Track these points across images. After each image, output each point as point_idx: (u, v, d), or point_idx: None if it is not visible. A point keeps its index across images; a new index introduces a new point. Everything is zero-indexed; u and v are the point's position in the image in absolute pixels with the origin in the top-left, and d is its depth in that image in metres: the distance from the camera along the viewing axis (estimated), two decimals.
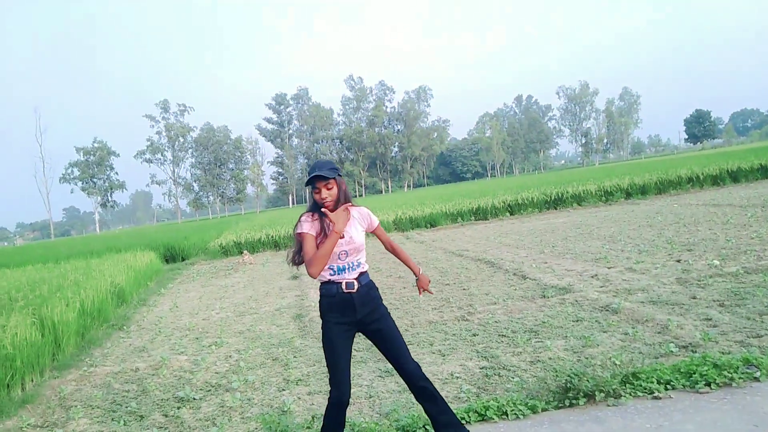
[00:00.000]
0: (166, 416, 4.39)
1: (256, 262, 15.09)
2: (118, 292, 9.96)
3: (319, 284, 2.95)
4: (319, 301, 2.96)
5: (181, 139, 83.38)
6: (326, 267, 2.87)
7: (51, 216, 79.37)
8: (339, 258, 2.86)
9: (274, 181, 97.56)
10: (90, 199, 79.81)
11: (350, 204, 2.94)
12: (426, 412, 2.96)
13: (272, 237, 18.14)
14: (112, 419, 4.46)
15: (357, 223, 2.94)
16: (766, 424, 2.91)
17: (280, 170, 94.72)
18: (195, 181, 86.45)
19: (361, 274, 2.92)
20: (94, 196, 78.99)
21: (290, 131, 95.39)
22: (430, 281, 3.23)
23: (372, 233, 3.09)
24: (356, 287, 2.86)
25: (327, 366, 2.88)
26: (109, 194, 79.89)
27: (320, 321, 3.01)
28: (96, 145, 77.73)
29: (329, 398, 2.85)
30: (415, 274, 3.17)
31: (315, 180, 2.81)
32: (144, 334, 7.69)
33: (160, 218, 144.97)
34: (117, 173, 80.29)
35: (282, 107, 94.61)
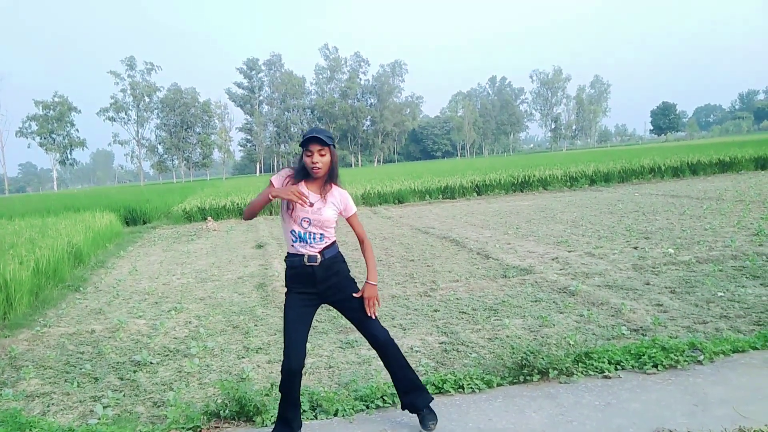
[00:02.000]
0: (122, 379, 4.33)
1: (220, 229, 14.88)
2: (75, 252, 9.69)
3: (286, 254, 2.94)
4: (285, 271, 2.96)
5: (147, 99, 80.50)
6: (289, 231, 2.86)
7: (6, 171, 76.31)
8: (301, 225, 2.83)
9: (242, 148, 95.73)
10: (48, 155, 76.68)
11: (334, 184, 2.88)
12: (390, 373, 3.05)
13: (237, 204, 17.89)
14: (65, 380, 4.37)
15: (331, 202, 2.86)
16: (705, 404, 3.07)
17: (249, 137, 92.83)
18: (160, 143, 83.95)
19: (327, 247, 2.88)
20: (53, 153, 75.91)
21: (261, 98, 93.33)
22: (376, 302, 2.94)
23: (346, 220, 2.97)
24: (319, 260, 2.84)
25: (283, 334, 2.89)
26: (68, 151, 76.86)
27: (283, 291, 3.00)
28: (56, 99, 74.32)
29: (281, 367, 2.86)
30: (367, 279, 2.95)
31: (310, 142, 2.74)
32: (101, 296, 7.53)
33: (121, 179, 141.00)
34: (78, 130, 77.20)
35: (253, 72, 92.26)
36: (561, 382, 3.51)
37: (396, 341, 4.64)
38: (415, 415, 3.05)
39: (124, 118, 79.50)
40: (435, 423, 2.98)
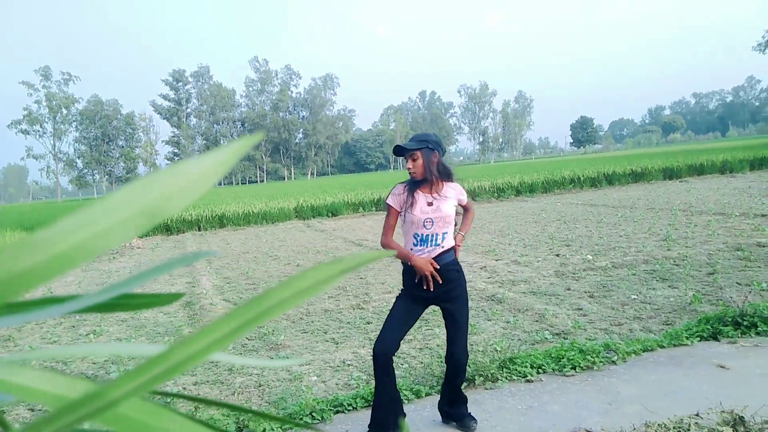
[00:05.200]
0: (33, 410, 4.05)
1: (145, 246, 14.25)
2: None
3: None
4: (403, 269, 3.02)
5: (64, 111, 76.19)
6: (411, 235, 2.95)
7: None
8: (424, 226, 2.91)
9: (169, 162, 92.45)
10: None
11: (444, 180, 2.99)
12: (443, 385, 3.16)
13: (164, 221, 17.20)
14: None
15: (446, 196, 2.97)
16: (618, 402, 3.26)
17: (176, 150, 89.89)
18: (79, 158, 79.64)
19: (444, 252, 2.93)
20: None
21: (188, 110, 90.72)
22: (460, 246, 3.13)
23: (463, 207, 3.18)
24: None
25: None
26: None
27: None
28: None
29: (374, 349, 2.89)
30: (460, 230, 3.17)
31: (396, 154, 2.92)
32: None
33: (36, 196, 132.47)
34: None
35: (180, 84, 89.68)
36: (486, 389, 3.62)
37: (328, 355, 4.64)
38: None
39: (39, 131, 74.78)
40: (476, 423, 3.10)
